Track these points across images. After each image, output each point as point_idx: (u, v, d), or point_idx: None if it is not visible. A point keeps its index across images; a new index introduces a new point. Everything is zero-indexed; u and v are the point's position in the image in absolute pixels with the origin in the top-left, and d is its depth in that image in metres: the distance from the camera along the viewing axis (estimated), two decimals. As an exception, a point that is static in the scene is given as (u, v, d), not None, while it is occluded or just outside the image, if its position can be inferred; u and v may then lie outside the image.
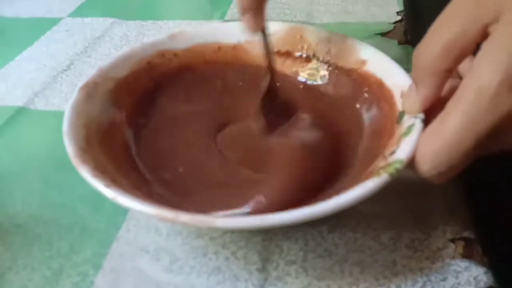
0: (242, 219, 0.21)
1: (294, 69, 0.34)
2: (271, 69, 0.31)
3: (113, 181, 0.22)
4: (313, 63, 0.33)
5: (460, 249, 0.24)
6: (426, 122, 0.23)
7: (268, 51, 0.30)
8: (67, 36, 0.49)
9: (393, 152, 0.23)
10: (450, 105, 0.20)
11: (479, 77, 0.19)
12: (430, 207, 0.27)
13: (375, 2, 0.53)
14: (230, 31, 0.34)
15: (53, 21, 0.52)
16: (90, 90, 0.27)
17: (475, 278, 0.23)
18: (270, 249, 0.25)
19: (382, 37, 0.46)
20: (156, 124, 0.30)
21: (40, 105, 0.38)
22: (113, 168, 0.24)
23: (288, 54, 0.34)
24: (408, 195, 0.27)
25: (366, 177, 0.22)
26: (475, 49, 0.20)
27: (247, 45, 0.34)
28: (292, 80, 0.34)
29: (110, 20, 0.52)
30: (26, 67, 0.44)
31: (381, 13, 0.51)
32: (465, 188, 0.27)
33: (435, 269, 0.24)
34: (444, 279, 0.23)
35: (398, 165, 0.22)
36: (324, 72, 0.33)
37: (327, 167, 0.27)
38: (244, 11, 0.28)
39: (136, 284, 0.24)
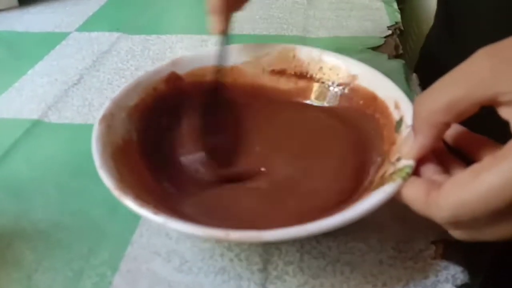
0: (287, 230, 0.22)
1: (289, 87, 0.36)
2: (218, 70, 0.34)
3: (155, 206, 0.24)
4: (309, 83, 0.36)
5: (440, 250, 0.27)
6: (416, 168, 0.24)
7: (221, 54, 0.34)
8: (75, 51, 0.52)
9: (399, 158, 0.25)
10: (489, 162, 0.19)
11: None
12: (414, 213, 0.29)
13: (367, 17, 0.56)
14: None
15: (62, 36, 0.55)
16: (108, 121, 0.30)
17: (453, 276, 0.26)
18: (270, 251, 0.28)
19: (373, 51, 0.49)
20: (167, 147, 0.32)
21: (53, 118, 0.41)
22: (147, 193, 0.26)
23: (282, 72, 0.37)
24: (393, 203, 0.30)
25: (379, 183, 0.24)
26: (478, 111, 0.21)
27: (243, 66, 0.37)
28: (290, 100, 0.36)
29: (116, 34, 0.55)
30: (39, 81, 0.46)
31: (373, 27, 0.54)
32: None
33: (418, 268, 0.26)
34: (426, 277, 0.26)
35: (409, 170, 0.24)
36: (321, 91, 0.36)
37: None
38: (211, 12, 0.32)
39: (150, 284, 0.26)
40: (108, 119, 0.30)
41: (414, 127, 0.24)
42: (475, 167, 0.20)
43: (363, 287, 0.26)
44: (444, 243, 0.27)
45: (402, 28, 0.54)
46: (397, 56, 0.48)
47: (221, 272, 0.27)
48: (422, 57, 0.53)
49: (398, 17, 0.56)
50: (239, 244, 0.28)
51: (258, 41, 0.51)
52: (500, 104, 0.20)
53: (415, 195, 0.23)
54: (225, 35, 0.34)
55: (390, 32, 0.53)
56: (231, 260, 0.28)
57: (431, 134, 0.23)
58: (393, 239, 0.28)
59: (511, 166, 0.18)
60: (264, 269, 0.27)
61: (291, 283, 0.26)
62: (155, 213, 0.23)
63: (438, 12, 0.50)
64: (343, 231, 0.29)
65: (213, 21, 0.33)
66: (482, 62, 0.20)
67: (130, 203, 0.24)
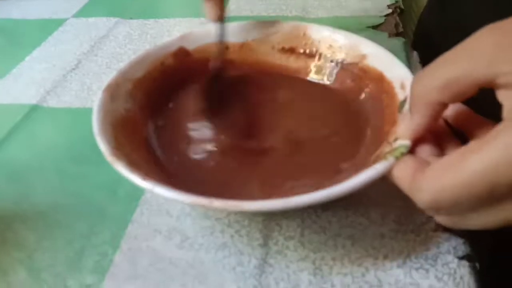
0: (268, 202, 0.22)
1: (298, 65, 0.36)
2: (220, 56, 0.34)
3: (146, 173, 0.24)
4: (318, 61, 0.36)
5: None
6: (412, 149, 0.23)
7: (221, 40, 0.34)
8: (73, 36, 0.51)
9: (396, 139, 0.25)
10: (474, 145, 0.19)
11: None
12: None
13: (367, -4, 0.55)
14: (237, 31, 0.36)
15: (59, 22, 0.55)
16: (113, 91, 0.30)
17: (454, 247, 0.26)
18: (270, 227, 0.28)
19: (373, 30, 0.49)
20: (171, 119, 0.32)
21: (52, 102, 0.41)
22: (141, 161, 0.27)
23: (292, 50, 0.36)
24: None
25: (374, 161, 0.24)
26: (476, 92, 0.20)
27: (253, 43, 0.36)
28: (299, 78, 0.36)
29: (113, 19, 0.54)
30: (37, 67, 0.46)
31: (373, 6, 0.54)
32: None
33: (419, 240, 0.26)
34: (427, 249, 0.26)
35: (403, 150, 0.23)
36: (329, 70, 0.35)
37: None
38: (206, 1, 0.33)
39: (151, 261, 0.26)
40: (113, 89, 0.30)
41: (410, 106, 0.23)
42: (459, 151, 0.19)
43: (364, 260, 0.25)
44: (446, 215, 0.27)
45: (402, 6, 0.54)
46: (397, 35, 0.48)
47: (221, 248, 0.27)
48: (417, 36, 0.53)
49: (398, -5, 0.55)
50: (240, 217, 0.28)
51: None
52: (499, 86, 0.19)
53: (402, 175, 0.22)
54: (222, 20, 0.34)
55: (390, 10, 0.52)
56: (232, 236, 0.27)
57: (427, 114, 0.22)
58: (394, 213, 0.28)
59: (493, 152, 0.17)
60: (264, 244, 0.27)
61: (292, 257, 0.26)
62: (144, 178, 0.23)
63: None
64: (344, 206, 0.29)
65: (208, 7, 0.33)
66: (485, 39, 0.19)
67: (121, 168, 0.24)
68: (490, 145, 0.18)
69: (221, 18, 0.34)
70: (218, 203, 0.22)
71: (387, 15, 0.51)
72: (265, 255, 0.26)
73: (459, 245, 0.26)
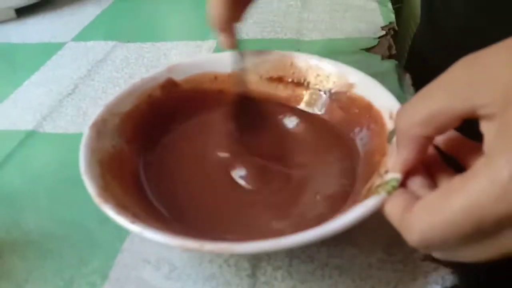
0: (259, 244, 0.22)
1: (287, 94, 0.36)
2: (242, 82, 0.34)
3: (134, 215, 0.24)
4: (306, 90, 0.36)
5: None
6: (403, 181, 0.23)
7: (240, 67, 0.34)
8: (71, 60, 0.52)
9: (387, 171, 0.25)
10: (457, 183, 0.18)
11: (495, 168, 0.17)
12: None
13: (361, 18, 0.56)
14: (224, 61, 0.36)
15: (58, 46, 0.56)
16: (99, 127, 0.30)
17: (442, 278, 0.26)
18: (259, 256, 0.28)
19: (367, 52, 0.49)
20: (161, 154, 0.32)
21: (48, 128, 0.41)
22: (130, 201, 0.27)
23: (280, 80, 0.37)
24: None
25: (365, 196, 0.24)
26: (459, 124, 0.20)
27: (241, 73, 0.37)
28: (289, 109, 0.36)
29: (111, 43, 0.55)
30: (34, 92, 0.47)
31: (367, 28, 0.54)
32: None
33: (407, 270, 0.26)
34: (415, 279, 0.26)
35: (395, 183, 0.23)
36: (318, 99, 0.36)
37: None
38: (219, 31, 0.33)
39: (139, 292, 0.27)
40: (99, 125, 0.30)
41: (396, 141, 0.23)
42: (443, 188, 0.19)
43: (351, 290, 0.25)
44: (434, 245, 0.27)
45: (396, 28, 0.54)
46: (390, 57, 0.48)
47: (210, 279, 0.27)
48: (410, 56, 0.53)
49: (392, 17, 0.56)
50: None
51: (252, 45, 0.51)
52: (480, 117, 0.19)
53: (393, 212, 0.22)
54: (236, 47, 0.34)
55: (384, 32, 0.52)
56: (220, 266, 0.27)
57: (412, 148, 0.22)
58: (383, 242, 0.28)
59: (476, 189, 0.17)
60: (252, 275, 0.27)
61: (279, 288, 0.26)
62: (132, 222, 0.23)
63: (422, 10, 0.50)
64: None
65: (221, 38, 0.34)
66: (460, 73, 0.20)
67: (109, 211, 0.24)
68: (473, 182, 0.18)
69: (236, 46, 0.34)
70: (209, 246, 0.22)
71: (381, 37, 0.52)
72: (253, 286, 0.26)
73: (447, 275, 0.26)
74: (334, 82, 0.34)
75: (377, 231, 0.28)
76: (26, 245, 0.30)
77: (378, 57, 0.48)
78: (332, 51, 0.50)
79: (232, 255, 0.28)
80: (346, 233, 0.28)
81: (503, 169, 0.17)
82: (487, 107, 0.18)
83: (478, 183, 0.18)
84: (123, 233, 0.30)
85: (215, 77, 0.36)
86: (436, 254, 0.21)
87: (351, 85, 0.33)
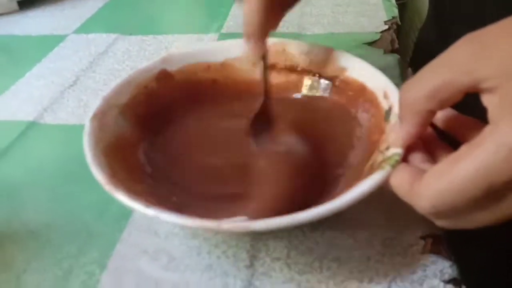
0: (275, 220, 0.22)
1: (279, 81, 0.36)
2: (266, 91, 0.33)
3: (146, 200, 0.25)
4: (299, 76, 0.36)
5: (429, 245, 0.27)
6: (404, 157, 0.24)
7: (265, 75, 0.33)
8: (72, 53, 0.52)
9: (388, 147, 0.25)
10: (465, 150, 0.19)
11: (501, 133, 0.18)
12: (403, 208, 0.29)
13: (363, 13, 0.56)
14: (217, 51, 0.37)
15: (60, 38, 0.56)
16: (100, 119, 0.30)
17: (440, 271, 0.25)
18: (258, 247, 0.28)
19: (369, 46, 0.49)
20: (163, 143, 0.33)
21: (49, 119, 0.41)
22: (139, 188, 0.27)
23: (272, 67, 0.36)
24: (382, 198, 0.29)
25: (369, 172, 0.25)
26: (462, 97, 0.21)
27: (233, 62, 0.37)
28: (287, 96, 0.36)
29: (113, 36, 0.55)
30: (35, 84, 0.47)
31: (369, 23, 0.54)
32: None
33: (405, 263, 0.26)
34: (413, 272, 0.26)
35: (397, 157, 0.24)
36: (312, 84, 0.36)
37: (320, 174, 0.29)
38: (248, 38, 0.31)
39: (137, 282, 0.27)
40: (99, 117, 0.30)
41: (399, 115, 0.24)
42: (451, 156, 0.20)
43: (349, 283, 0.25)
44: (433, 238, 0.27)
45: (399, 22, 0.54)
46: (393, 51, 0.48)
47: (207, 269, 0.27)
48: (416, 51, 0.53)
49: (395, 11, 0.56)
50: (228, 237, 0.28)
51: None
52: (482, 90, 0.20)
53: (400, 183, 0.23)
54: (264, 57, 0.33)
55: (386, 27, 0.52)
56: (218, 257, 0.27)
57: (416, 122, 0.23)
58: (381, 235, 0.28)
59: (484, 154, 0.18)
60: (251, 266, 0.27)
61: (277, 279, 0.26)
62: (147, 206, 0.24)
63: (430, 6, 0.50)
64: (331, 226, 0.29)
65: (252, 46, 0.31)
66: (463, 49, 0.20)
67: (122, 197, 0.24)
68: (481, 148, 0.18)
69: (264, 55, 0.33)
70: (226, 225, 0.22)
71: (383, 31, 0.51)
72: (251, 277, 0.26)
73: (446, 268, 0.26)
74: (326, 67, 0.35)
75: (373, 225, 0.28)
76: (26, 235, 0.30)
77: (381, 51, 0.47)
78: (334, 45, 0.50)
79: (247, 233, 0.28)
80: (344, 225, 0.28)
81: (509, 133, 0.18)
82: (489, 80, 0.19)
83: (485, 148, 0.18)
84: (121, 224, 0.30)
85: (208, 67, 0.36)
86: (442, 223, 0.22)
87: (343, 69, 0.34)
